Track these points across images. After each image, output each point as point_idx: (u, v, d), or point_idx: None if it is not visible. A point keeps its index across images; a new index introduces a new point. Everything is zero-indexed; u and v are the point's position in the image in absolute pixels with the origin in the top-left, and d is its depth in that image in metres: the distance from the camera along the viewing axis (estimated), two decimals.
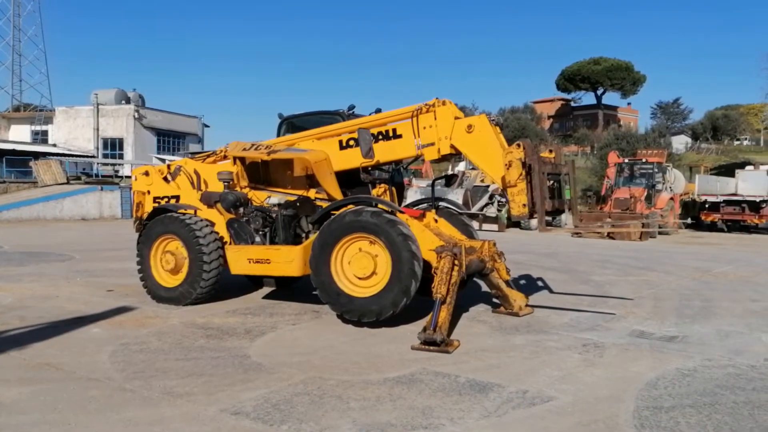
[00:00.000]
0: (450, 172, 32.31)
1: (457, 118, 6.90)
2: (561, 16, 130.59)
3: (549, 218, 6.86)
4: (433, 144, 6.95)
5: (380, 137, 7.21)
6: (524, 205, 6.45)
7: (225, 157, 8.15)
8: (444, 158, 7.19)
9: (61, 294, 8.36)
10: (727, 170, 34.42)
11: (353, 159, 7.34)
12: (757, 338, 6.40)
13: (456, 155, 7.22)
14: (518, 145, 6.44)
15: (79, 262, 12.00)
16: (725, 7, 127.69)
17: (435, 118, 6.93)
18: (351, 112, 8.15)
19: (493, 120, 6.83)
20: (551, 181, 6.87)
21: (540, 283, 9.83)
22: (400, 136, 7.12)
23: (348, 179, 7.61)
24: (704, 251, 16.72)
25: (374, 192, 7.66)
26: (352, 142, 7.32)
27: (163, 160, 25.25)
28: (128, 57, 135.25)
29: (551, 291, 9.13)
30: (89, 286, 9.08)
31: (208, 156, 8.43)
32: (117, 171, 38.34)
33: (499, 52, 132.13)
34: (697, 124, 66.13)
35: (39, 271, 10.62)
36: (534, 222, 24.33)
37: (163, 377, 4.81)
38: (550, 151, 7.05)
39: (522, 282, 9.73)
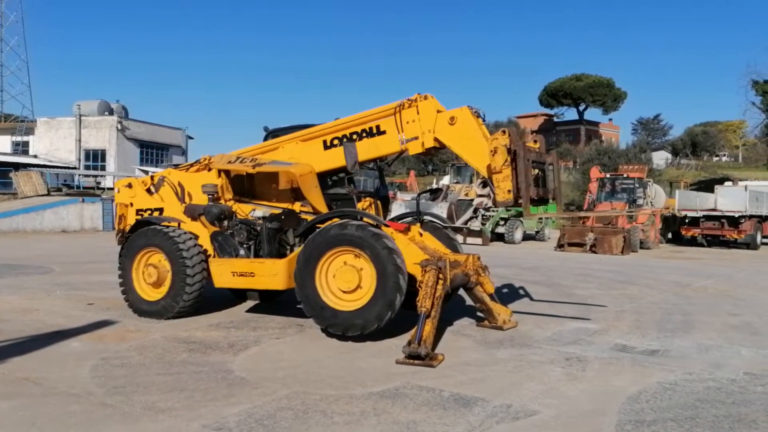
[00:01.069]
0: (435, 186, 32.47)
1: (439, 111, 7.00)
2: (544, 33, 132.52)
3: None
4: (416, 138, 7.04)
5: (364, 135, 7.27)
6: (509, 191, 6.52)
7: (208, 167, 8.13)
8: (428, 152, 7.27)
9: (41, 307, 8.24)
10: (707, 186, 34.98)
11: (338, 158, 7.38)
12: (737, 352, 6.49)
13: (440, 148, 7.27)
14: (503, 132, 6.54)
15: (59, 274, 11.84)
16: (704, 26, 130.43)
17: (418, 113, 7.02)
18: None
19: (475, 112, 6.93)
20: (536, 170, 6.95)
21: (523, 297, 9.88)
22: (383, 132, 7.19)
23: (334, 180, 7.70)
24: (684, 266, 16.94)
25: (359, 206, 7.68)
26: (336, 142, 7.39)
27: (146, 172, 25.03)
28: (112, 69, 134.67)
29: (531, 299, 9.19)
30: (70, 299, 8.95)
31: (191, 166, 8.40)
32: (99, 183, 37.97)
33: (483, 67, 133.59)
34: (677, 140, 67.23)
35: (18, 283, 10.46)
36: (518, 236, 24.54)
37: (144, 392, 4.75)
38: (535, 141, 7.12)
39: (505, 293, 9.77)
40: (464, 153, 6.98)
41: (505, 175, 6.49)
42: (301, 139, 7.62)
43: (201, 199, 7.91)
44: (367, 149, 7.26)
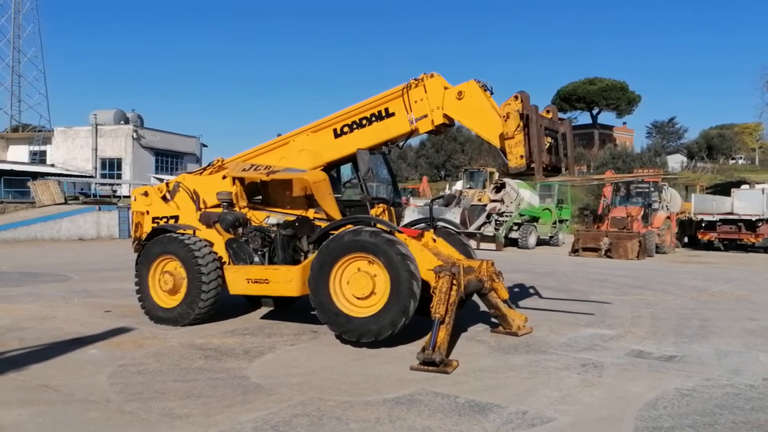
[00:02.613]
0: (447, 191, 32.46)
1: (446, 88, 7.05)
2: (557, 38, 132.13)
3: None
4: (426, 116, 7.10)
5: (373, 119, 7.33)
6: (522, 156, 6.54)
7: (221, 167, 8.21)
8: (438, 129, 7.30)
9: (59, 315, 8.34)
10: (723, 189, 34.60)
11: (348, 145, 7.45)
12: (755, 357, 6.41)
13: (450, 126, 7.33)
14: (516, 97, 6.56)
15: (76, 282, 11.97)
16: (719, 29, 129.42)
17: (425, 91, 7.09)
18: None
19: (482, 85, 6.95)
20: (549, 139, 6.93)
21: (538, 302, 9.83)
22: (393, 114, 7.25)
23: (347, 186, 7.83)
24: (701, 270, 16.75)
25: (373, 212, 7.70)
26: (346, 129, 7.46)
27: (162, 180, 25.32)
28: (128, 78, 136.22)
29: (541, 296, 9.13)
30: (87, 306, 9.05)
31: (205, 169, 8.50)
32: (115, 191, 38.37)
33: (496, 73, 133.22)
34: (693, 144, 66.60)
35: (36, 291, 10.59)
36: (532, 241, 24.46)
37: (161, 399, 4.80)
38: (548, 111, 7.09)
39: (519, 299, 9.73)
40: (475, 126, 7.02)
41: (518, 141, 6.52)
42: (312, 131, 7.71)
43: (214, 200, 8.00)
44: (377, 133, 7.32)
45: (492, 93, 7.01)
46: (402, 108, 7.18)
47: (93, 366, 5.73)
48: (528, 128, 6.48)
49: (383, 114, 7.30)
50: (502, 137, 6.65)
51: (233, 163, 8.04)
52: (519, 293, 10.58)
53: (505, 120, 6.54)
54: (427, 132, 7.33)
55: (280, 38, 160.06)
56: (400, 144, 7.63)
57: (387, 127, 7.29)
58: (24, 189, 32.03)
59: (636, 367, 5.90)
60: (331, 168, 7.96)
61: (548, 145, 6.90)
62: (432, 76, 7.12)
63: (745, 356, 6.46)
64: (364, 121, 7.38)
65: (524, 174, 6.83)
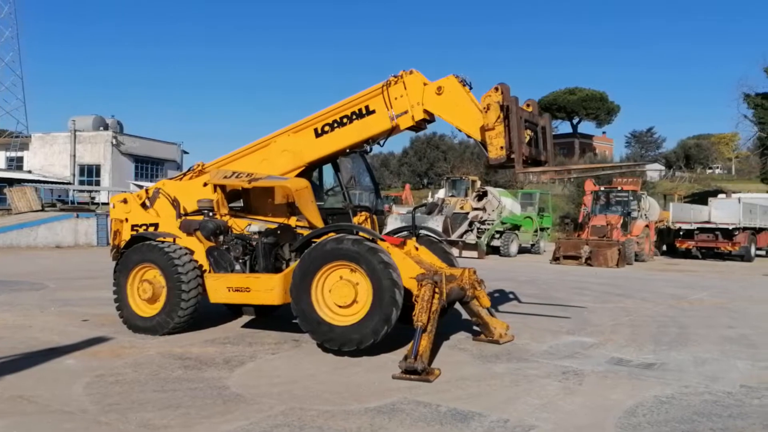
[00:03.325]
0: (430, 199, 32.55)
1: (425, 84, 7.11)
2: (537, 48, 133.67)
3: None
4: (406, 112, 7.14)
5: (354, 117, 7.35)
6: (502, 147, 6.58)
7: (202, 172, 8.16)
8: (419, 126, 7.34)
9: (35, 324, 8.18)
10: (701, 198, 35.18)
11: (330, 144, 7.47)
12: (733, 365, 6.49)
13: (430, 121, 7.36)
14: (496, 89, 6.62)
15: (53, 291, 11.77)
16: (696, 40, 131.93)
17: (405, 88, 7.14)
18: None
19: (461, 80, 7.00)
20: (529, 132, 6.99)
21: (519, 310, 9.87)
22: (373, 112, 7.28)
23: (329, 194, 7.83)
24: (680, 278, 16.97)
25: (355, 220, 7.69)
26: (327, 128, 7.47)
27: (141, 187, 25.07)
28: (107, 83, 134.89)
29: (519, 301, 9.18)
30: (64, 315, 8.89)
31: (185, 174, 8.44)
32: (93, 198, 37.87)
33: (478, 82, 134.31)
34: (671, 153, 67.68)
35: (12, 300, 10.39)
36: (513, 249, 24.60)
37: (139, 409, 4.72)
38: (528, 105, 7.14)
39: (500, 305, 9.76)
40: (455, 120, 7.06)
41: (498, 132, 6.57)
42: (293, 131, 7.69)
43: (195, 202, 7.92)
44: (358, 131, 7.34)
45: (471, 88, 7.07)
46: (382, 105, 7.22)
47: (69, 376, 5.63)
48: (508, 120, 6.53)
49: (364, 112, 7.33)
50: (483, 130, 6.71)
51: (214, 170, 7.97)
52: (500, 299, 10.62)
53: (486, 111, 6.60)
54: (407, 128, 7.34)
55: (263, 43, 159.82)
56: (381, 142, 7.65)
57: (368, 124, 7.32)
58: (0, 196, 31.48)
59: (616, 375, 5.95)
60: (314, 168, 7.93)
61: (528, 138, 6.96)
62: (411, 72, 7.19)
63: (723, 363, 6.54)
64: (344, 120, 7.40)
65: (504, 165, 6.86)
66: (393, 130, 7.34)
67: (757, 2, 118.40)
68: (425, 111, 7.12)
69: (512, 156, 6.59)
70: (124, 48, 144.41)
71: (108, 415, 4.57)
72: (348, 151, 7.62)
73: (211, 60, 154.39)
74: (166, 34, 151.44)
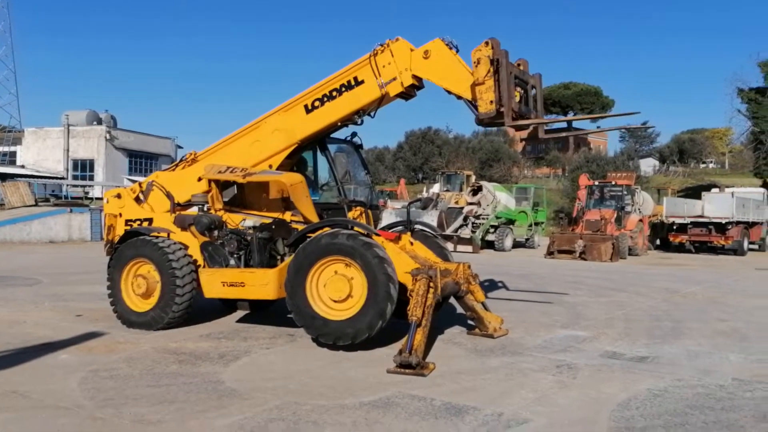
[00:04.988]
0: (425, 194, 32.56)
1: (412, 50, 7.15)
2: (531, 41, 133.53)
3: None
4: (395, 79, 7.18)
5: (343, 89, 7.36)
6: (491, 102, 6.61)
7: (194, 161, 8.15)
8: (408, 93, 7.37)
9: (29, 319, 8.15)
10: (694, 192, 35.31)
11: (321, 119, 7.48)
12: (725, 358, 6.54)
13: (419, 88, 7.40)
14: (486, 43, 6.64)
15: (47, 286, 11.73)
16: (690, 35, 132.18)
17: (392, 55, 7.18)
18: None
19: (448, 42, 7.03)
20: (519, 90, 7.02)
21: (513, 304, 9.91)
22: (362, 82, 7.30)
23: (324, 188, 7.80)
24: (673, 272, 17.06)
25: (350, 215, 7.69)
26: (317, 104, 7.48)
27: (135, 182, 25.02)
28: (101, 77, 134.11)
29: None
30: (57, 310, 8.87)
31: (178, 165, 8.42)
32: (87, 193, 37.72)
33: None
34: (664, 148, 67.87)
35: (5, 295, 10.35)
36: (508, 243, 24.61)
37: (134, 404, 4.71)
38: (519, 64, 7.15)
39: (496, 303, 9.78)
40: (444, 81, 7.07)
41: (488, 86, 6.61)
42: (283, 111, 7.70)
43: (188, 191, 7.95)
44: (348, 102, 7.36)
45: (458, 50, 7.09)
46: (371, 74, 7.24)
47: (64, 371, 5.62)
48: (498, 74, 6.55)
49: (353, 83, 7.34)
50: (473, 86, 6.73)
51: (209, 165, 7.95)
52: (492, 291, 10.65)
53: (476, 66, 6.63)
54: (396, 95, 7.35)
55: (257, 35, 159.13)
56: (372, 113, 7.66)
57: (357, 95, 7.33)
58: None
59: (609, 368, 5.98)
60: (306, 146, 7.89)
61: (518, 96, 6.99)
62: (397, 40, 7.23)
63: (715, 357, 6.58)
64: (334, 93, 7.41)
65: (494, 121, 6.85)
66: (383, 99, 7.37)
67: None
68: (414, 76, 7.15)
69: (501, 110, 6.61)
70: (117, 39, 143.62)
71: (102, 410, 4.57)
72: (339, 124, 7.64)
73: (205, 52, 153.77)
74: (159, 25, 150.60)
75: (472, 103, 6.90)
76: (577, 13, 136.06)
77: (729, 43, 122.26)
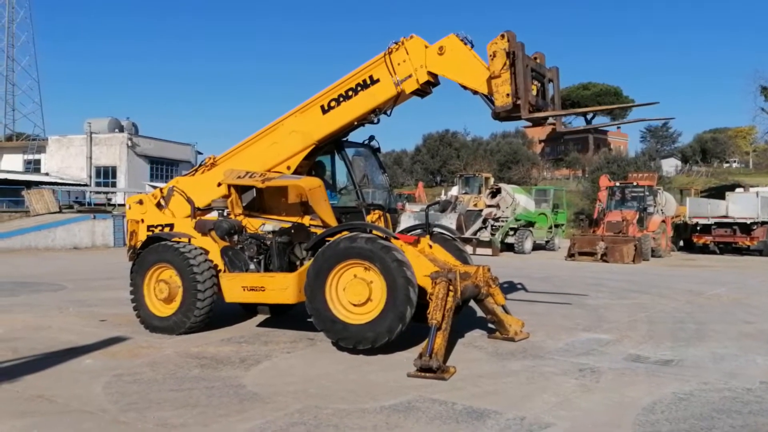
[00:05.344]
0: (443, 197, 32.46)
1: (426, 47, 7.16)
2: (549, 42, 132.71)
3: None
4: (410, 76, 7.19)
5: (359, 88, 7.39)
6: (508, 94, 6.60)
7: (214, 165, 8.24)
8: (424, 90, 7.38)
9: (54, 324, 8.29)
10: (718, 193, 34.72)
11: (337, 119, 7.51)
12: (752, 360, 6.41)
13: (435, 84, 7.40)
14: (502, 36, 6.64)
15: (71, 291, 11.91)
16: (711, 33, 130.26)
17: (407, 53, 7.20)
18: (345, 139, 8.21)
19: (463, 38, 7.02)
20: (536, 83, 6.99)
21: (534, 307, 9.83)
22: (377, 81, 7.32)
23: (342, 192, 7.87)
24: (697, 274, 16.79)
25: (369, 218, 7.70)
26: (333, 104, 7.51)
27: (156, 188, 25.28)
28: (122, 82, 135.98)
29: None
30: (82, 316, 9.00)
31: (197, 169, 8.51)
32: (110, 199, 38.25)
33: None
34: (687, 147, 66.86)
35: (31, 301, 10.53)
36: (528, 246, 24.46)
37: (157, 408, 4.76)
38: (535, 57, 7.11)
39: (516, 306, 9.71)
40: (460, 76, 7.07)
41: (504, 79, 6.60)
42: (300, 112, 7.74)
43: (209, 196, 8.04)
44: (364, 101, 7.39)
45: (473, 46, 7.08)
46: (386, 72, 7.25)
47: (88, 376, 5.69)
48: (514, 67, 6.54)
49: (368, 82, 7.37)
50: (489, 80, 6.72)
51: (228, 170, 8.01)
52: (511, 294, 10.57)
53: (492, 59, 6.63)
54: (412, 92, 7.36)
55: (278, 38, 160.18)
56: (388, 112, 7.67)
57: (373, 93, 7.35)
58: (18, 198, 31.87)
59: (633, 372, 5.90)
60: (324, 146, 7.91)
61: (535, 90, 6.95)
62: (411, 37, 7.24)
63: (742, 360, 6.46)
64: (350, 93, 7.45)
65: (511, 115, 6.81)
66: (399, 97, 7.38)
67: None
68: (429, 73, 7.16)
69: (518, 103, 6.59)
70: (137, 44, 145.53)
71: (126, 414, 4.62)
72: (356, 123, 7.66)
73: (225, 56, 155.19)
74: (179, 29, 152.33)
75: (489, 98, 6.89)
76: (595, 9, 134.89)
77: (751, 40, 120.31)
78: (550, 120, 7.29)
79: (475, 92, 7.04)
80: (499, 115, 6.82)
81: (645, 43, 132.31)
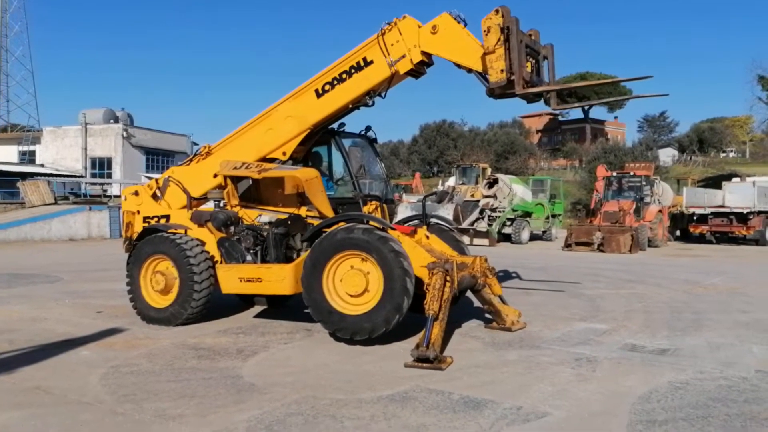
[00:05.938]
0: (440, 187, 32.44)
1: (419, 27, 7.14)
2: (545, 30, 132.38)
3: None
4: (404, 56, 7.17)
5: (353, 71, 7.37)
6: (502, 70, 6.58)
7: (209, 154, 8.22)
8: (418, 70, 7.36)
9: (50, 316, 8.27)
10: (714, 182, 34.80)
11: (332, 103, 7.50)
12: (748, 350, 6.44)
13: (429, 65, 7.38)
14: (496, 11, 6.62)
15: (67, 283, 11.89)
16: (709, 21, 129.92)
17: (400, 33, 7.18)
18: (341, 129, 8.19)
19: (456, 16, 7.01)
20: (530, 60, 6.98)
21: (530, 297, 9.85)
22: (371, 62, 7.30)
23: (339, 183, 7.89)
24: (693, 263, 16.84)
25: (365, 209, 7.68)
26: (327, 87, 7.49)
27: (151, 179, 25.15)
28: (117, 71, 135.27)
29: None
30: (78, 307, 8.99)
31: (192, 159, 8.48)
32: (105, 190, 38.14)
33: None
34: (684, 137, 66.93)
35: (27, 293, 10.51)
36: (525, 236, 24.50)
37: (154, 399, 4.76)
38: (530, 34, 7.10)
39: (513, 296, 9.73)
40: (454, 55, 7.04)
41: (498, 55, 6.58)
42: (294, 97, 7.72)
43: (205, 184, 8.05)
44: (358, 84, 7.37)
45: (466, 24, 7.05)
46: (379, 54, 7.23)
47: (85, 367, 5.69)
48: (509, 42, 6.52)
49: (362, 64, 7.34)
50: (483, 57, 6.71)
51: (224, 161, 7.97)
52: (512, 288, 10.59)
53: (486, 34, 6.61)
54: (406, 72, 7.33)
55: (272, 26, 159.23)
56: (383, 93, 7.65)
57: (367, 75, 7.33)
58: (13, 189, 31.75)
59: (629, 361, 5.92)
60: (319, 130, 7.89)
61: (530, 67, 6.93)
62: (404, 17, 7.21)
63: (738, 349, 6.49)
64: (344, 75, 7.42)
65: (505, 91, 6.77)
66: (393, 78, 7.36)
67: None
68: (423, 53, 7.13)
69: (512, 78, 6.57)
70: (132, 34, 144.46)
71: (124, 405, 4.62)
72: (351, 106, 7.64)
73: (218, 44, 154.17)
74: (175, 18, 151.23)
75: (483, 75, 6.87)
76: (590, 3, 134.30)
77: (748, 29, 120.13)
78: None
79: (470, 70, 7.01)
80: (493, 92, 6.78)
81: (643, 32, 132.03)
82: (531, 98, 7.15)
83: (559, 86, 7.28)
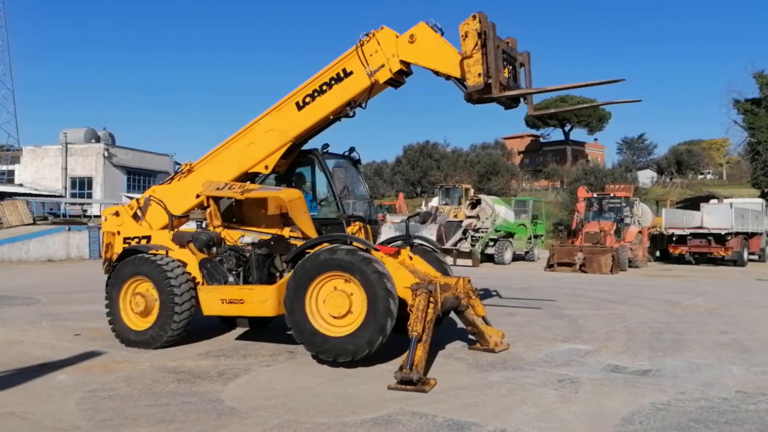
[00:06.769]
0: (424, 208, 32.54)
1: (397, 36, 7.23)
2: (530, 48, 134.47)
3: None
4: (383, 66, 7.25)
5: (333, 82, 7.43)
6: (479, 74, 6.67)
7: (190, 171, 8.19)
8: (398, 80, 7.44)
9: (26, 339, 8.10)
10: (693, 204, 35.32)
11: (313, 115, 7.54)
12: (728, 370, 6.49)
13: (408, 74, 7.46)
14: (474, 17, 6.72)
15: (45, 305, 11.67)
16: (685, 45, 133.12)
17: (378, 44, 7.26)
18: (325, 150, 8.21)
19: (433, 25, 7.10)
20: (506, 64, 7.06)
21: (513, 318, 9.86)
22: (351, 73, 7.36)
23: (323, 203, 7.89)
24: (673, 284, 17.02)
25: (349, 230, 7.67)
26: (308, 100, 7.54)
27: (133, 199, 24.89)
28: (98, 93, 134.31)
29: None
30: (56, 330, 8.81)
31: (173, 177, 8.44)
32: (85, 211, 37.68)
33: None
34: (662, 159, 67.99)
35: (3, 315, 10.28)
36: (507, 257, 24.56)
37: (132, 425, 4.66)
38: (507, 42, 7.19)
39: (496, 317, 9.73)
40: (432, 62, 7.13)
41: (476, 59, 6.68)
42: (275, 111, 7.75)
43: (186, 202, 8.02)
44: (339, 94, 7.42)
45: (443, 33, 7.15)
46: (359, 64, 7.31)
47: (61, 392, 5.57)
48: (486, 47, 6.63)
49: (342, 75, 7.41)
50: (461, 63, 6.81)
51: (206, 182, 7.93)
52: (494, 309, 10.60)
53: (464, 39, 6.72)
54: (386, 82, 7.41)
55: (254, 45, 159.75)
56: (363, 104, 7.70)
57: (347, 86, 7.39)
58: None
59: (612, 382, 5.93)
60: (300, 144, 7.92)
61: (507, 73, 7.03)
62: (382, 28, 7.32)
63: (718, 369, 6.54)
64: (324, 87, 7.49)
65: (483, 96, 6.84)
66: (373, 88, 7.44)
67: (744, 6, 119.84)
68: (402, 62, 7.22)
69: (489, 82, 6.66)
70: (113, 55, 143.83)
71: (101, 431, 4.51)
72: (332, 117, 7.68)
73: (203, 64, 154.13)
74: (157, 38, 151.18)
75: (461, 82, 6.97)
76: (571, 21, 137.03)
77: (724, 53, 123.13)
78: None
79: (448, 77, 7.12)
80: (471, 97, 6.89)
81: (621, 55, 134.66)
82: (508, 103, 7.25)
83: (535, 90, 7.39)
